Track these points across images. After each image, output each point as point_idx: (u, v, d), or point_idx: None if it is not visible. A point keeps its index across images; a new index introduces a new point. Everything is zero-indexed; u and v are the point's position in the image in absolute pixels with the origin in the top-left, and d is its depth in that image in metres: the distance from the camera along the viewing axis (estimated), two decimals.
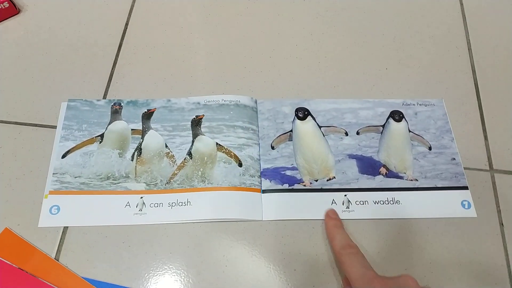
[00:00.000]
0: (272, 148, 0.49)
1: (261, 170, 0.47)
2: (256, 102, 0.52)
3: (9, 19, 0.56)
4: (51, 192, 0.45)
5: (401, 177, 0.47)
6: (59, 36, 0.55)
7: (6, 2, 0.54)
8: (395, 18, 0.59)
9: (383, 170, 0.48)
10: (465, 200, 0.46)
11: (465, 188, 0.47)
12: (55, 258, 0.42)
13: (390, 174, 0.47)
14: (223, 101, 0.51)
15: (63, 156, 0.47)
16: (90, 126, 0.49)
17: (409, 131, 0.50)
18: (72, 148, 0.48)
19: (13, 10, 0.55)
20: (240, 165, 0.47)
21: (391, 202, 0.46)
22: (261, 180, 0.47)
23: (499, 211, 0.46)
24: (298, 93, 0.53)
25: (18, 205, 0.45)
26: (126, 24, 0.57)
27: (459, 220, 0.45)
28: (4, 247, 0.42)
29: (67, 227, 0.44)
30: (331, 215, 0.44)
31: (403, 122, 0.50)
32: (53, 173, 0.46)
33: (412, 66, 0.55)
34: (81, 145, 0.48)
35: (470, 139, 0.50)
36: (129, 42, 0.55)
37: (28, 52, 0.54)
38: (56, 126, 0.49)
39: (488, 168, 0.49)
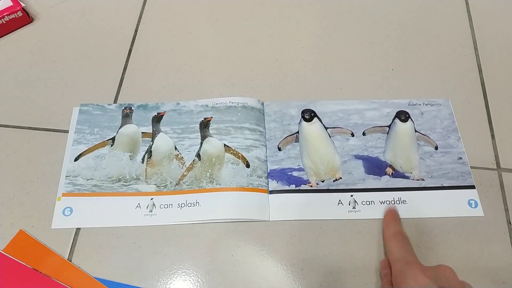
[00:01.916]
0: (279, 149, 0.50)
1: (268, 171, 0.48)
2: (263, 104, 0.53)
3: (22, 27, 0.57)
4: (64, 194, 0.47)
5: (407, 177, 0.48)
6: (71, 43, 0.57)
7: (20, 12, 0.55)
8: (401, 19, 0.60)
9: (389, 170, 0.48)
10: (472, 199, 0.46)
11: (472, 187, 0.47)
12: (68, 259, 0.43)
13: (396, 174, 0.48)
14: (230, 103, 0.52)
15: (76, 159, 0.49)
16: (102, 130, 0.51)
17: (415, 131, 0.50)
18: (84, 151, 0.49)
19: (26, 19, 0.57)
20: (248, 166, 0.48)
21: (398, 202, 0.46)
22: (268, 181, 0.48)
23: (506, 210, 0.46)
24: (305, 95, 0.53)
25: (32, 208, 0.46)
26: (136, 31, 0.58)
27: (466, 219, 0.45)
28: (18, 248, 0.43)
29: (80, 228, 0.45)
30: (391, 208, 0.45)
31: (409, 122, 0.50)
32: (66, 176, 0.48)
33: (418, 66, 0.55)
34: (93, 148, 0.49)
35: (477, 138, 0.50)
36: (139, 47, 0.57)
37: (41, 59, 0.55)
38: (68, 130, 0.50)
39: (495, 167, 0.49)
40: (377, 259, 0.43)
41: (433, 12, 0.60)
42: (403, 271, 0.37)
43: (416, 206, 0.46)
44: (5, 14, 0.54)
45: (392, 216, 0.44)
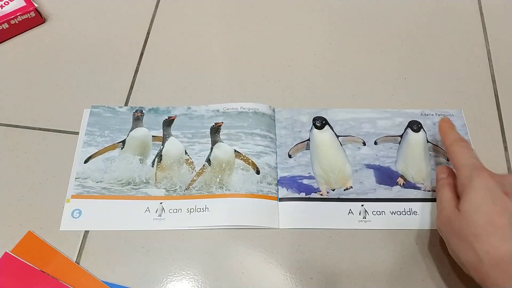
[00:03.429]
0: (289, 156, 0.49)
1: (278, 178, 0.48)
2: (274, 110, 0.52)
3: (35, 28, 0.57)
4: (73, 196, 0.46)
5: (418, 188, 0.47)
6: (83, 45, 0.57)
7: (33, 12, 0.55)
8: (414, 28, 0.59)
9: (400, 180, 0.48)
10: None
11: None
12: (76, 262, 0.43)
13: (408, 184, 0.47)
14: (242, 108, 0.52)
15: (86, 161, 0.49)
16: (112, 132, 0.50)
17: (428, 141, 0.50)
18: (95, 153, 0.49)
19: (39, 20, 0.57)
20: (258, 172, 0.48)
21: (408, 212, 0.46)
22: (278, 188, 0.47)
23: None
24: (316, 102, 0.53)
25: (41, 209, 0.46)
26: (148, 34, 0.58)
27: None
28: (27, 250, 0.43)
29: (88, 231, 0.45)
30: (445, 119, 0.46)
31: (421, 133, 0.50)
32: (76, 178, 0.47)
33: (431, 75, 0.55)
34: (103, 150, 0.49)
35: (489, 149, 0.50)
36: (151, 51, 0.57)
37: (52, 60, 0.56)
38: (79, 132, 0.50)
39: None
40: (386, 270, 0.43)
41: (446, 22, 0.60)
42: (470, 175, 0.37)
43: (427, 217, 0.45)
44: (18, 14, 0.55)
45: (447, 124, 0.45)
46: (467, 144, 0.42)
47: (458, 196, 0.39)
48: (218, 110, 0.52)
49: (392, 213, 0.45)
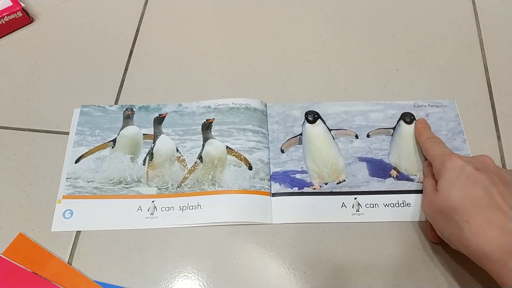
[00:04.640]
0: (282, 151, 0.49)
1: (271, 174, 0.47)
2: (266, 105, 0.52)
3: (22, 28, 0.57)
4: (64, 197, 0.46)
5: (412, 180, 0.47)
6: (71, 44, 0.56)
7: (20, 12, 0.55)
8: (406, 19, 0.59)
9: (393, 172, 0.47)
10: None
11: None
12: (68, 262, 0.43)
13: (401, 176, 0.47)
14: (233, 104, 0.52)
15: (76, 161, 0.48)
16: (103, 132, 0.50)
17: None
18: (85, 153, 0.49)
19: (26, 19, 0.57)
20: (250, 168, 0.48)
21: (402, 205, 0.45)
22: (271, 184, 0.47)
23: None
24: (308, 96, 0.53)
25: (32, 210, 0.45)
26: (137, 31, 0.58)
27: None
28: (18, 252, 0.43)
29: (80, 231, 0.44)
30: (421, 120, 0.49)
31: (414, 124, 0.50)
32: (67, 178, 0.47)
33: (424, 67, 0.55)
34: (94, 150, 0.49)
35: (483, 139, 0.49)
36: (140, 48, 0.56)
37: (41, 60, 0.55)
38: (69, 132, 0.50)
39: None
40: (380, 262, 0.42)
41: (439, 12, 0.59)
42: (442, 160, 0.41)
43: (420, 209, 0.45)
44: (4, 14, 0.54)
45: (422, 125, 0.48)
46: (440, 140, 0.45)
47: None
48: (209, 107, 0.52)
49: (385, 205, 0.45)
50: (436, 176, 0.42)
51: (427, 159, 0.46)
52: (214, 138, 0.50)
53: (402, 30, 0.58)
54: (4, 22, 0.55)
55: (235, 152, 0.49)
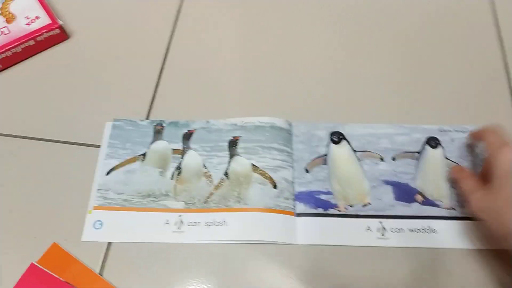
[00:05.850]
0: (307, 171, 0.50)
1: (296, 193, 0.48)
2: (290, 124, 0.53)
3: (59, 44, 0.59)
4: (95, 208, 0.48)
5: (437, 205, 0.47)
6: (105, 60, 0.58)
7: (57, 29, 0.57)
8: (433, 43, 0.59)
9: (419, 197, 0.48)
10: None
11: None
12: (99, 273, 0.44)
13: (427, 201, 0.47)
14: (259, 122, 0.53)
15: (107, 173, 0.50)
16: (134, 145, 0.51)
17: (446, 158, 0.50)
18: (116, 165, 0.50)
19: (63, 36, 0.59)
20: (275, 187, 0.48)
21: (428, 230, 0.45)
22: (295, 203, 0.48)
23: None
24: (333, 117, 0.53)
25: (65, 220, 0.47)
26: (167, 49, 0.59)
27: (499, 251, 0.44)
28: (51, 261, 0.44)
29: (111, 242, 0.46)
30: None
31: (439, 149, 0.50)
32: (98, 189, 0.49)
33: (449, 91, 0.55)
34: (124, 163, 0.50)
35: None
36: (170, 65, 0.58)
37: (75, 75, 0.57)
38: (100, 145, 0.52)
39: None
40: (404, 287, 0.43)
41: (464, 36, 0.60)
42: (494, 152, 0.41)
43: (446, 235, 0.45)
44: (43, 31, 0.56)
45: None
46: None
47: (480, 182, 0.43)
48: (236, 124, 0.53)
49: (411, 230, 0.45)
50: (487, 168, 0.42)
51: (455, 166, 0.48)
52: (240, 155, 0.51)
53: (429, 55, 0.58)
54: (43, 39, 0.57)
55: (260, 170, 0.49)
